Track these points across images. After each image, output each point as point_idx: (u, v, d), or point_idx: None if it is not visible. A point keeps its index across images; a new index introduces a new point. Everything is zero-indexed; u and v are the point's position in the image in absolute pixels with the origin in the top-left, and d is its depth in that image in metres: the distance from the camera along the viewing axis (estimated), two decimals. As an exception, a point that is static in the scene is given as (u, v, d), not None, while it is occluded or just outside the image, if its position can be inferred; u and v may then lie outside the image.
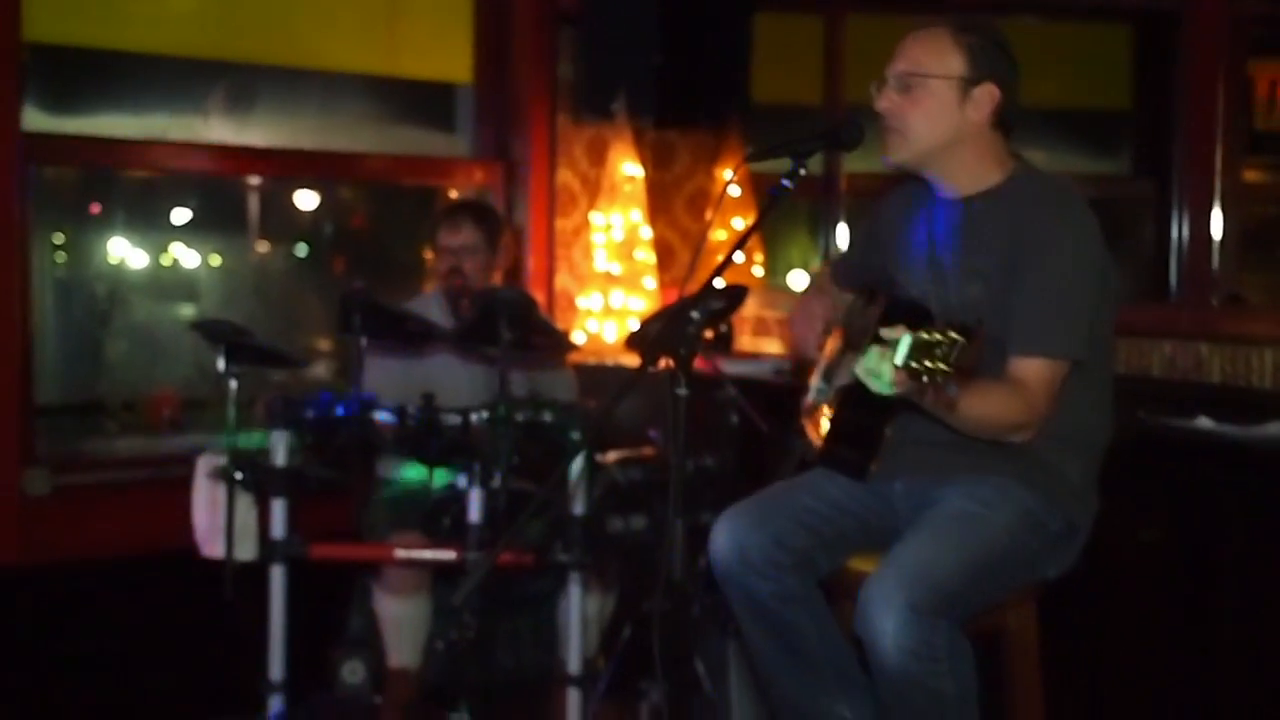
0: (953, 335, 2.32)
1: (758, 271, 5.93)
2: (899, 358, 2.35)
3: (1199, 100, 4.17)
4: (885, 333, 2.43)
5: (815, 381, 3.33)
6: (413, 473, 4.37)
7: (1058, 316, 2.86)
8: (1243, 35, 4.29)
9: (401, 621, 4.30)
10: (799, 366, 3.46)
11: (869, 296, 3.28)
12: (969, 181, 3.03)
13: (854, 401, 2.96)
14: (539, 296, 5.50)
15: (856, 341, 3.18)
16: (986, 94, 2.96)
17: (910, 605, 2.71)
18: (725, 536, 3.06)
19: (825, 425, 3.20)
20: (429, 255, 5.55)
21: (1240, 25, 4.24)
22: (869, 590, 2.78)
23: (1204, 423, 3.64)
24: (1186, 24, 4.23)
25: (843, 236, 5.43)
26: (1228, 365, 3.73)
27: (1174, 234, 4.23)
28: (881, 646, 2.74)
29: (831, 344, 3.35)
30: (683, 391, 2.76)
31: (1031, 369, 2.85)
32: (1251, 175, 4.55)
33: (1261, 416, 3.55)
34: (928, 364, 2.32)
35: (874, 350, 2.40)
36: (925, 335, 2.34)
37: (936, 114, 2.96)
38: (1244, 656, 3.53)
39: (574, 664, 4.02)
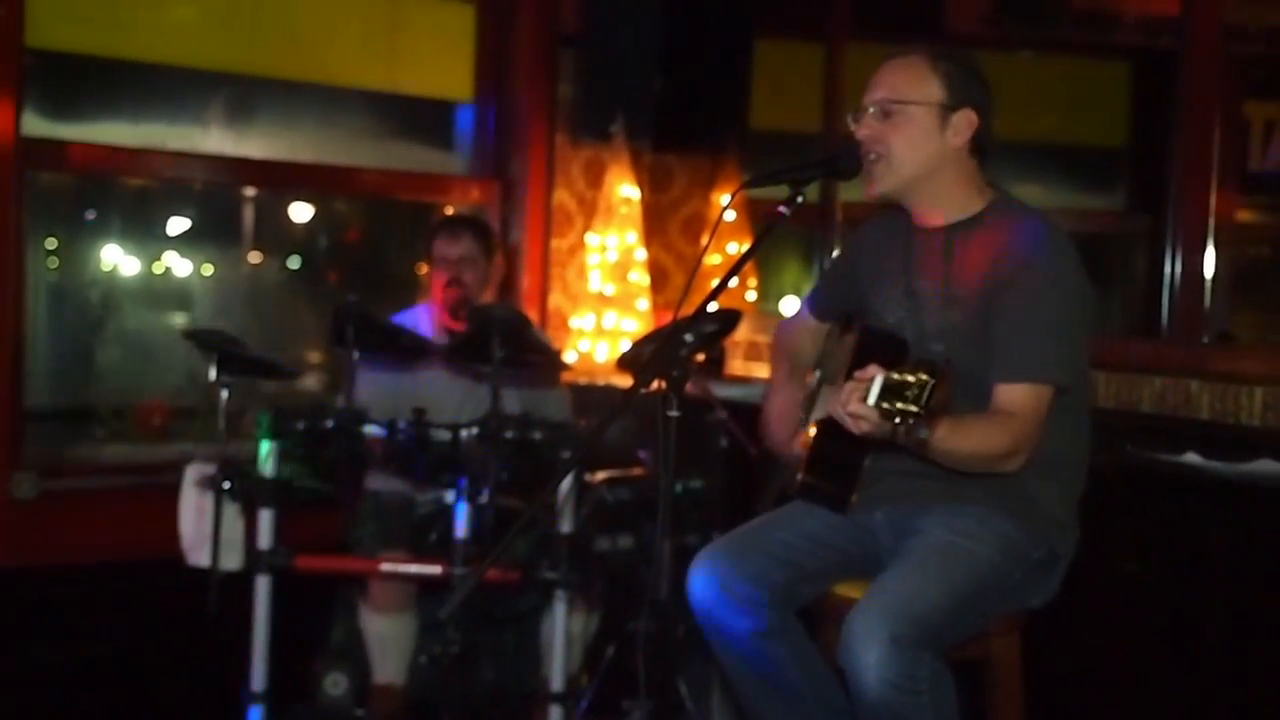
0: (923, 377, 2.36)
1: (751, 296, 5.93)
2: (871, 398, 2.38)
3: (1195, 139, 4.18)
4: (859, 374, 2.45)
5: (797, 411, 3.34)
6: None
7: (1041, 342, 2.86)
8: (1240, 75, 4.31)
9: (387, 639, 4.30)
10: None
11: (844, 325, 3.29)
12: (950, 209, 3.03)
13: (831, 435, 2.97)
14: (532, 315, 5.51)
15: (832, 374, 3.19)
16: (965, 120, 2.98)
17: (893, 638, 2.72)
18: (703, 576, 3.05)
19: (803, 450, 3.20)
20: (423, 269, 5.55)
21: (1237, 65, 4.27)
22: (852, 623, 2.78)
23: (1192, 458, 3.65)
24: (1184, 63, 4.25)
25: (828, 266, 5.44)
26: (1217, 402, 3.74)
27: (1167, 270, 4.24)
28: (864, 679, 2.74)
29: (809, 376, 3.37)
30: (674, 413, 2.76)
31: (1018, 396, 2.85)
32: (1245, 215, 4.57)
33: (1249, 454, 3.56)
34: (899, 405, 2.35)
35: (847, 389, 2.43)
36: (896, 376, 2.38)
37: (918, 140, 2.97)
38: (1228, 690, 3.53)
39: (557, 681, 4.02)
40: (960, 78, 2.98)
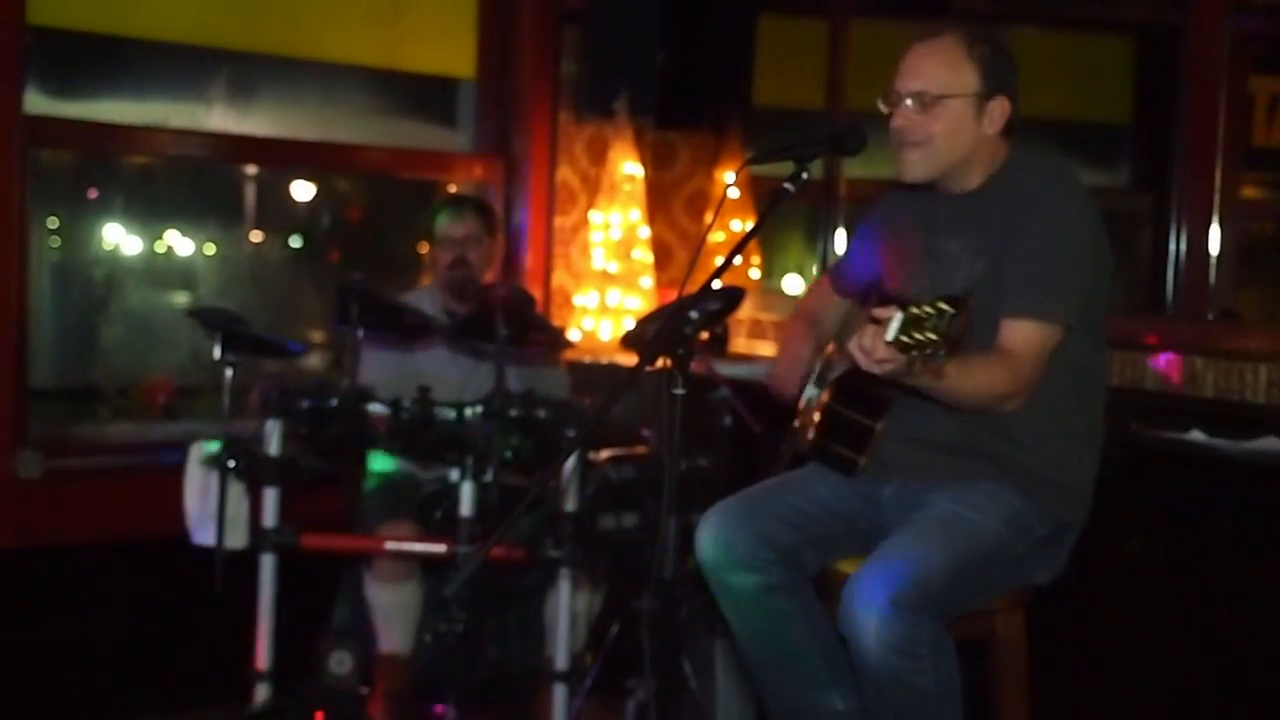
0: (942, 306, 2.36)
1: (754, 274, 5.93)
2: (890, 333, 2.38)
3: (1199, 115, 4.17)
4: (878, 312, 2.45)
5: (809, 388, 3.33)
6: (380, 463, 4.38)
7: (1048, 280, 2.87)
8: (1244, 51, 4.29)
9: (392, 608, 4.30)
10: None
11: (864, 300, 3.29)
12: (977, 180, 3.05)
13: (846, 396, 2.97)
14: (536, 293, 5.50)
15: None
16: (1000, 108, 2.99)
17: (892, 601, 2.73)
18: (711, 532, 3.07)
19: (816, 420, 3.20)
20: (424, 248, 5.54)
21: (1241, 41, 4.24)
22: (852, 586, 2.80)
23: (1197, 436, 3.65)
24: (1188, 38, 4.23)
25: (841, 241, 5.44)
26: (1221, 379, 3.74)
27: (1171, 248, 4.23)
28: (864, 642, 2.75)
29: (829, 349, 3.36)
30: (679, 391, 2.76)
31: (1021, 333, 2.86)
32: (1250, 191, 4.56)
33: (1254, 431, 3.56)
34: (918, 336, 2.35)
35: (868, 328, 2.43)
36: (916, 310, 2.38)
37: (957, 131, 2.98)
38: (1233, 667, 3.54)
39: (561, 660, 4.03)
40: (994, 63, 2.99)
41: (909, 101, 2.99)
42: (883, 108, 3.04)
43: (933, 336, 2.34)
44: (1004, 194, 2.99)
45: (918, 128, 2.99)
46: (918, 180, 3.05)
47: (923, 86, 2.98)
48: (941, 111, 2.97)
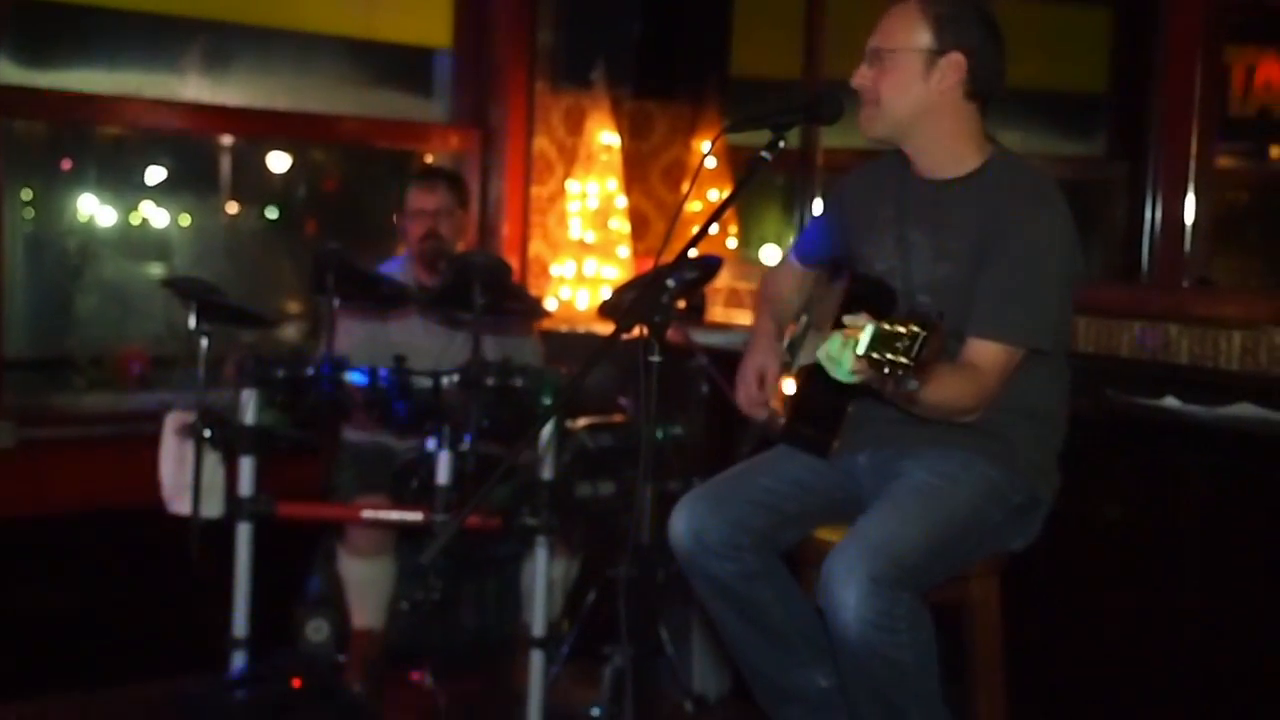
0: (914, 329, 2.33)
1: (731, 243, 5.93)
2: (861, 347, 2.36)
3: (1175, 85, 4.17)
4: (849, 320, 2.44)
5: (780, 354, 3.33)
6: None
7: (1020, 304, 2.89)
8: (1220, 21, 4.29)
9: (365, 583, 4.30)
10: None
11: (833, 273, 3.28)
12: (947, 162, 3.04)
13: (816, 380, 2.96)
14: (513, 263, 5.49)
15: (819, 320, 3.19)
16: (952, 64, 2.97)
17: (871, 577, 2.73)
18: (683, 521, 3.06)
19: (788, 394, 3.20)
20: (397, 219, 5.54)
21: (1218, 11, 4.24)
22: (831, 563, 2.80)
23: (1171, 403, 3.67)
24: (1164, 8, 4.24)
25: (818, 211, 5.43)
26: (1196, 346, 3.75)
27: (1147, 216, 4.24)
28: (842, 618, 2.76)
29: (793, 326, 3.36)
30: (655, 359, 2.76)
31: (987, 353, 2.88)
32: (1225, 161, 4.57)
33: (1228, 398, 3.57)
34: (889, 356, 2.33)
35: (836, 337, 2.42)
36: (888, 327, 2.34)
37: (903, 85, 2.99)
38: (1206, 633, 3.56)
39: (538, 627, 4.03)
40: (953, 21, 2.98)
41: (866, 58, 3.04)
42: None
43: (904, 360, 2.33)
44: (978, 198, 2.98)
45: (870, 82, 3.02)
46: (873, 137, 3.07)
47: (878, 43, 3.03)
48: (890, 66, 2.99)
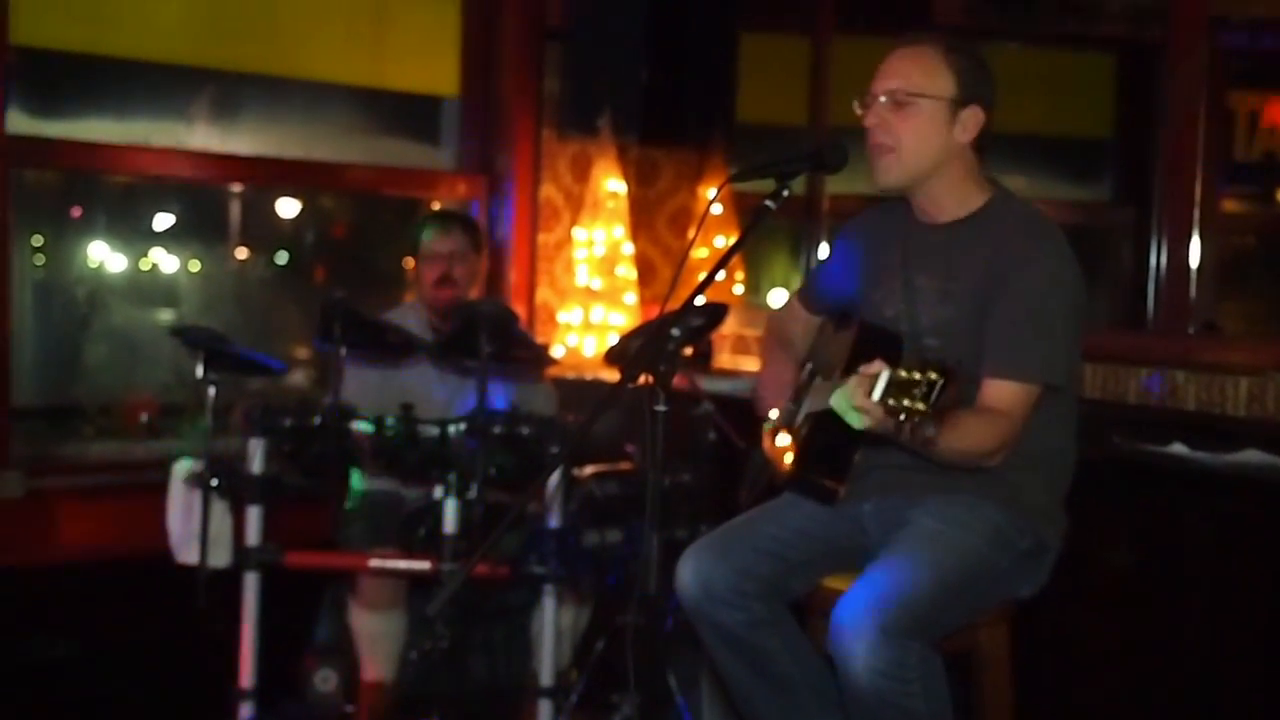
0: (931, 376, 2.33)
1: (738, 290, 5.94)
2: (876, 394, 2.36)
3: (1179, 129, 4.19)
4: (863, 369, 2.44)
5: (775, 416, 3.31)
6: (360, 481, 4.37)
7: (1033, 340, 2.87)
8: (1224, 66, 4.31)
9: (376, 636, 4.29)
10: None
11: (839, 321, 3.27)
12: (952, 205, 3.03)
13: (823, 428, 2.95)
14: (520, 310, 5.51)
15: (826, 367, 3.18)
16: (973, 116, 2.98)
17: (881, 628, 2.72)
18: (690, 571, 3.05)
19: (786, 445, 3.18)
20: (410, 264, 5.55)
21: (1221, 56, 4.27)
22: (841, 612, 2.78)
23: (1178, 449, 3.66)
24: (1168, 54, 4.26)
25: (824, 257, 5.45)
26: (1203, 393, 3.76)
27: (1152, 261, 4.25)
28: (853, 668, 2.74)
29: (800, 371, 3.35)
30: (661, 407, 2.76)
31: (1005, 393, 2.86)
32: (1230, 205, 4.58)
33: (1235, 444, 3.57)
34: (905, 403, 2.32)
35: (851, 384, 2.41)
36: (904, 374, 2.34)
37: (927, 134, 2.96)
38: (1213, 679, 3.55)
39: (546, 676, 4.02)
40: (971, 73, 2.98)
41: (883, 99, 2.98)
42: (857, 110, 3.02)
43: (921, 407, 2.32)
44: (981, 239, 2.98)
45: (889, 127, 2.97)
46: (890, 187, 3.04)
47: (897, 84, 2.97)
48: (913, 112, 2.96)
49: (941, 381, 2.32)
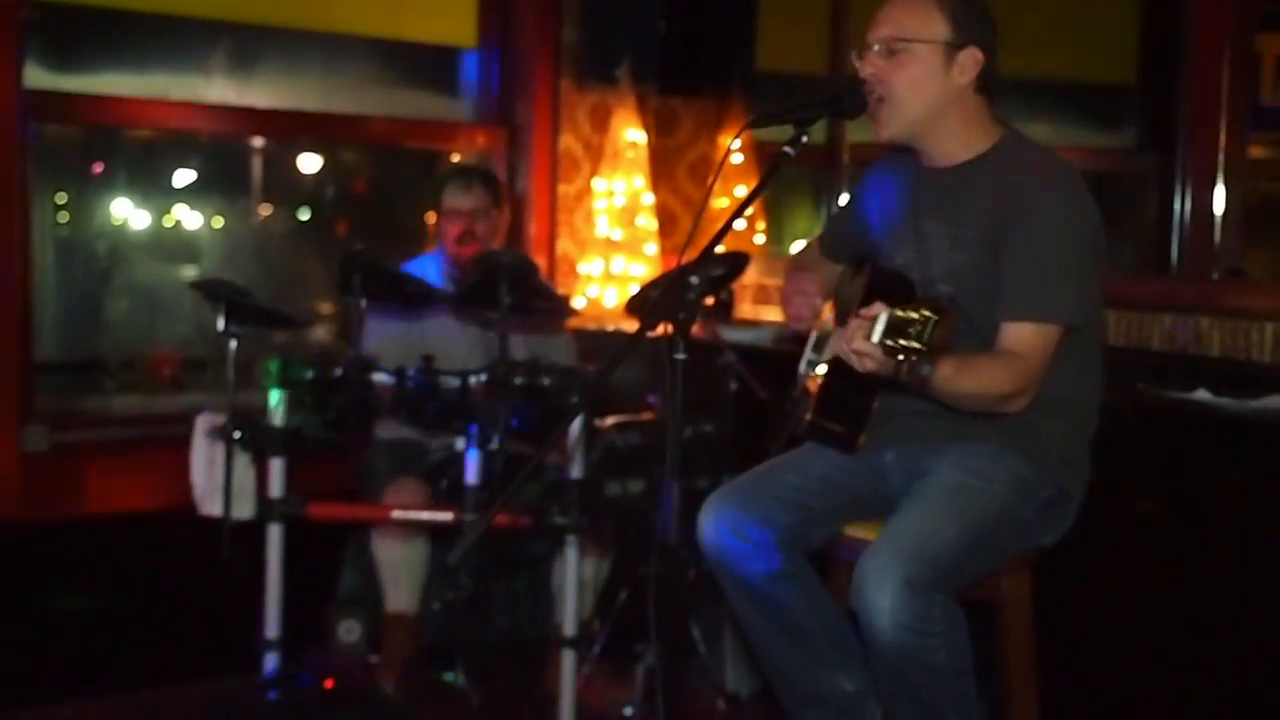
0: (926, 313, 2.34)
1: (759, 239, 5.92)
2: (875, 335, 2.37)
3: (1204, 75, 4.15)
4: (863, 311, 2.44)
5: (807, 352, 3.32)
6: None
7: (1049, 281, 2.84)
8: (1250, 9, 4.26)
9: (399, 566, 4.30)
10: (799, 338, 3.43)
11: (856, 267, 3.28)
12: (958, 149, 3.01)
13: (840, 375, 2.95)
14: (540, 261, 5.50)
15: (844, 314, 3.18)
16: (970, 58, 2.95)
17: (906, 581, 2.71)
18: (712, 520, 3.05)
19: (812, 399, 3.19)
20: (431, 218, 5.54)
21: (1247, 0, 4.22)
22: (864, 566, 2.78)
23: (1203, 395, 3.64)
24: (1193, -3, 4.22)
25: (842, 204, 5.43)
26: (1227, 339, 3.74)
27: (1176, 208, 4.21)
28: (877, 622, 2.73)
29: (826, 313, 3.35)
30: (680, 356, 2.75)
31: (1024, 335, 2.84)
32: (1256, 150, 4.53)
33: (1260, 390, 3.55)
34: (902, 342, 2.34)
35: (852, 326, 2.42)
36: (900, 313, 2.36)
37: (922, 79, 2.94)
38: (1239, 626, 3.54)
39: (569, 626, 4.03)
40: (966, 15, 2.95)
41: (876, 48, 2.96)
42: (855, 61, 3.00)
43: (916, 345, 2.33)
44: (989, 182, 2.95)
45: (883, 75, 2.95)
46: (890, 139, 3.02)
47: (889, 32, 2.95)
48: (907, 59, 2.93)
49: (935, 319, 2.33)
